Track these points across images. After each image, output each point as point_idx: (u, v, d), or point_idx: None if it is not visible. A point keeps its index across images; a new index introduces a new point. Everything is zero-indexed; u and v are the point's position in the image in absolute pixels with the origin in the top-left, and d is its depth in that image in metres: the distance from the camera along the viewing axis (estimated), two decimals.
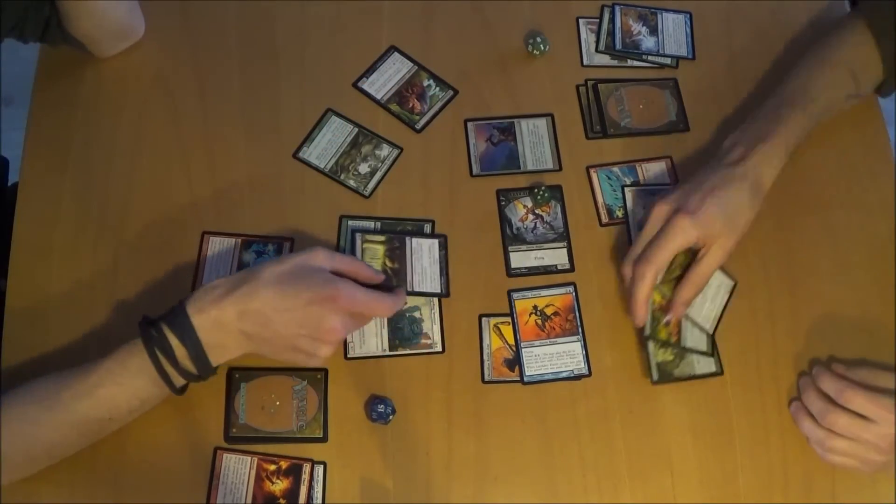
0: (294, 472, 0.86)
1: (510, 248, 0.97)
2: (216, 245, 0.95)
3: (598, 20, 1.09)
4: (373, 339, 0.92)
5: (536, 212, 0.98)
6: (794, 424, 0.89)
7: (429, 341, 0.92)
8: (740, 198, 0.89)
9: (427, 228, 0.97)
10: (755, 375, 0.92)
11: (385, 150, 1.01)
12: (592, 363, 0.92)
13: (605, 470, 0.88)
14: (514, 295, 0.94)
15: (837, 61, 0.97)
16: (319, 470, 0.86)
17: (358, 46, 1.07)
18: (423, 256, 0.95)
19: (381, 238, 0.95)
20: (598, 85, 1.05)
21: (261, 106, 1.03)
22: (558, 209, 0.99)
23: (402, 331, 0.92)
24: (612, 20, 1.09)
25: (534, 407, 0.90)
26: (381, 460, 0.87)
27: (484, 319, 0.93)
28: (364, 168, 1.00)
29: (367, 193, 0.99)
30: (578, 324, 0.93)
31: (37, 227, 0.96)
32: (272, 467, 0.86)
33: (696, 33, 1.09)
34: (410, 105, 1.04)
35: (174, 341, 0.80)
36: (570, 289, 0.95)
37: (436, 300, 0.93)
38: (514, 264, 0.96)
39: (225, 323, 0.80)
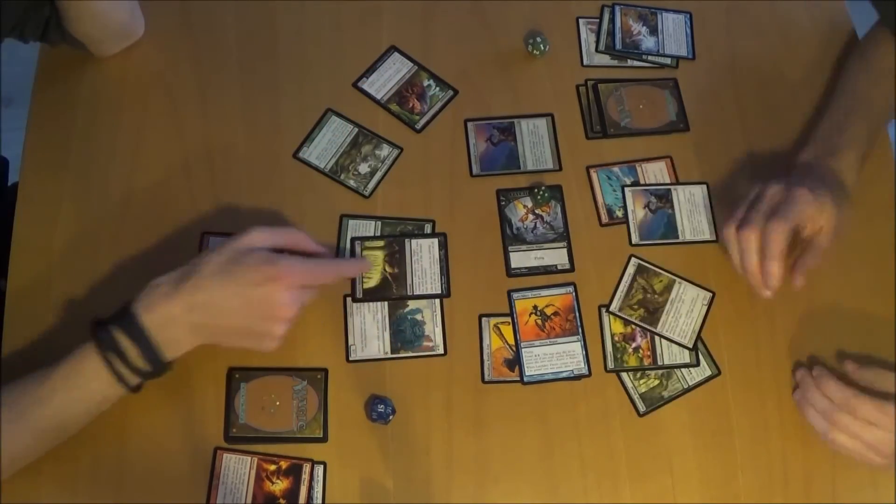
0: (294, 472, 0.86)
1: (510, 248, 0.97)
2: (216, 245, 0.95)
3: (598, 20, 1.09)
4: (374, 341, 0.92)
5: (536, 212, 0.98)
6: (794, 424, 0.89)
7: (431, 343, 0.92)
8: (836, 193, 0.90)
9: (427, 228, 0.97)
10: (755, 375, 0.92)
11: (385, 150, 1.01)
12: (592, 363, 0.92)
13: (605, 470, 0.88)
14: (514, 295, 0.94)
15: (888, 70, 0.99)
16: (319, 470, 0.86)
17: (358, 46, 1.07)
18: (424, 257, 0.95)
19: (381, 244, 0.95)
20: (598, 85, 1.05)
21: (261, 106, 1.03)
22: (558, 209, 0.99)
23: (404, 333, 0.92)
24: (612, 20, 1.09)
25: (534, 407, 0.90)
26: (381, 460, 0.87)
27: (484, 319, 0.93)
28: (364, 168, 1.00)
29: (367, 193, 0.99)
30: (578, 324, 0.93)
31: (37, 227, 0.96)
32: (272, 467, 0.86)
33: (696, 33, 1.09)
34: (410, 105, 1.04)
35: (126, 343, 0.80)
36: (570, 289, 0.95)
37: (437, 302, 0.93)
38: (514, 264, 0.96)
39: (174, 318, 0.81)
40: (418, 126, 1.03)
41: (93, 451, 0.86)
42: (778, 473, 0.88)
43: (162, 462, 0.86)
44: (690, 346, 0.92)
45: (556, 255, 0.96)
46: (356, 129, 1.02)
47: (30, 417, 0.80)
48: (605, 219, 0.99)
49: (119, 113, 1.02)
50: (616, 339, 0.93)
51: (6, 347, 0.89)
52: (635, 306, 0.94)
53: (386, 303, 0.93)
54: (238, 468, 0.86)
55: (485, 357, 0.92)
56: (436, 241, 0.96)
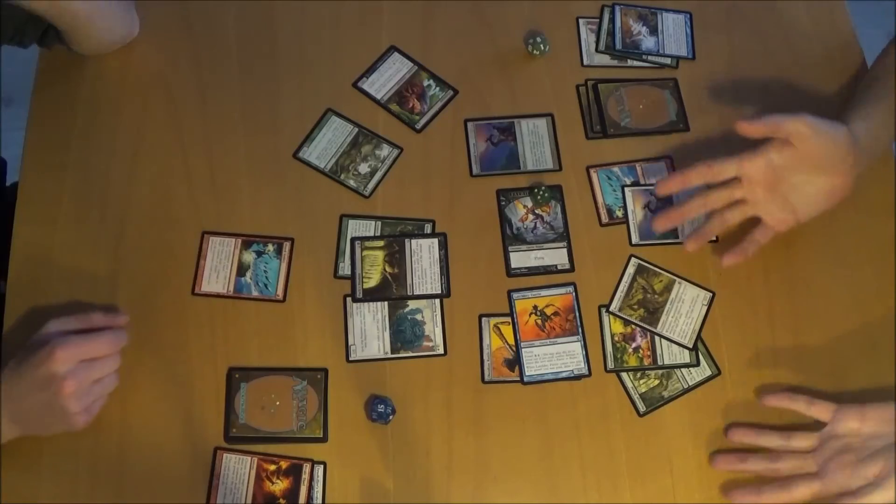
0: (294, 472, 0.86)
1: (510, 248, 0.97)
2: (216, 245, 0.95)
3: (598, 20, 1.09)
4: (374, 341, 0.92)
5: (536, 212, 0.98)
6: (794, 425, 0.90)
7: (431, 343, 0.92)
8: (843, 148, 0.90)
9: (427, 228, 0.97)
10: (755, 375, 0.92)
11: (385, 150, 1.01)
12: (592, 363, 0.92)
13: (605, 470, 0.88)
14: (514, 295, 0.94)
15: None
16: (319, 470, 0.86)
17: (358, 46, 1.07)
18: (424, 257, 0.95)
19: (381, 244, 0.95)
20: (598, 85, 1.05)
21: (261, 106, 1.03)
22: (558, 209, 0.99)
23: (404, 333, 0.92)
24: (612, 20, 1.09)
25: (534, 407, 0.90)
26: (381, 460, 0.87)
27: (484, 319, 0.93)
28: (364, 168, 1.00)
29: (367, 193, 0.99)
30: (578, 324, 0.93)
31: (37, 227, 0.96)
32: (272, 467, 0.86)
33: (696, 33, 1.09)
34: (410, 105, 1.04)
35: None
36: (570, 289, 0.95)
37: (437, 302, 0.93)
38: (514, 264, 0.96)
39: None
40: (418, 126, 1.03)
41: (93, 451, 0.86)
42: None
43: (162, 462, 0.86)
44: (690, 346, 0.92)
45: (556, 255, 0.96)
46: (356, 129, 1.02)
47: None
48: (605, 219, 0.99)
49: (119, 113, 1.02)
50: (616, 339, 0.93)
51: (6, 347, 0.89)
52: (635, 306, 0.94)
53: (386, 303, 0.93)
54: (238, 468, 0.86)
55: (485, 357, 0.92)
56: (436, 241, 0.96)
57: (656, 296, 0.94)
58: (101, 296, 0.92)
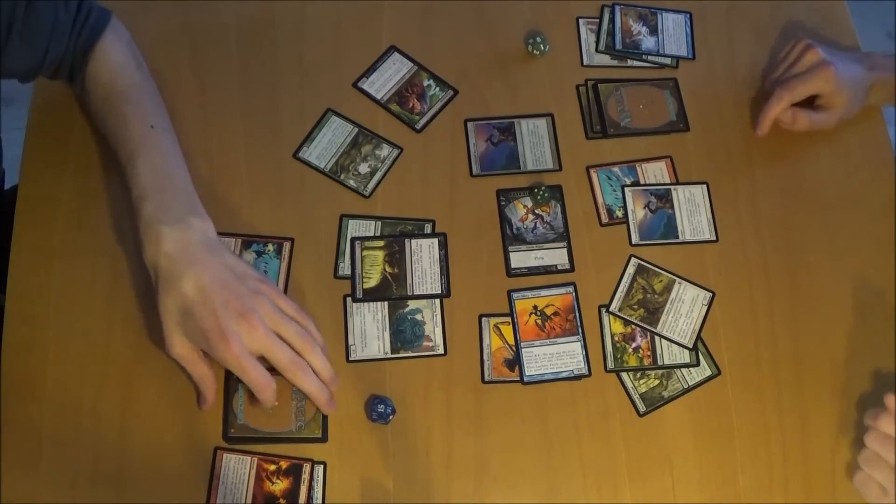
0: (294, 472, 0.86)
1: (510, 248, 0.97)
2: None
3: (598, 20, 1.10)
4: (374, 341, 0.92)
5: (536, 212, 0.98)
6: (793, 425, 0.90)
7: (431, 343, 0.92)
8: (861, 95, 1.01)
9: (427, 228, 0.97)
10: (755, 375, 0.92)
11: (385, 150, 1.01)
12: (592, 363, 0.92)
13: (605, 470, 0.88)
14: (514, 295, 0.94)
15: None
16: (319, 470, 0.86)
17: (358, 46, 1.07)
18: (423, 257, 0.95)
19: (381, 244, 0.95)
20: (598, 85, 1.05)
21: (261, 106, 1.03)
22: (558, 209, 0.99)
23: (404, 333, 0.92)
24: (612, 20, 1.09)
25: (534, 407, 0.90)
26: (381, 460, 0.87)
27: (484, 319, 0.93)
28: (364, 168, 1.00)
29: (367, 193, 0.99)
30: (578, 324, 0.93)
31: (37, 227, 0.96)
32: (272, 467, 0.86)
33: (696, 33, 1.09)
34: (410, 105, 1.04)
35: None
36: (570, 289, 0.95)
37: (437, 302, 0.93)
38: (514, 264, 0.96)
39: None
40: (418, 126, 1.03)
41: (93, 451, 0.85)
42: (778, 473, 0.88)
43: (162, 462, 0.86)
44: (690, 346, 0.92)
45: (556, 255, 0.96)
46: (356, 129, 1.02)
47: None
48: (605, 219, 0.99)
49: None
50: (616, 339, 0.93)
51: (6, 348, 0.89)
52: (635, 306, 0.94)
53: (386, 303, 0.93)
54: (238, 468, 0.86)
55: (485, 357, 0.92)
56: (436, 240, 0.96)
57: (656, 296, 0.94)
58: (101, 296, 0.92)
